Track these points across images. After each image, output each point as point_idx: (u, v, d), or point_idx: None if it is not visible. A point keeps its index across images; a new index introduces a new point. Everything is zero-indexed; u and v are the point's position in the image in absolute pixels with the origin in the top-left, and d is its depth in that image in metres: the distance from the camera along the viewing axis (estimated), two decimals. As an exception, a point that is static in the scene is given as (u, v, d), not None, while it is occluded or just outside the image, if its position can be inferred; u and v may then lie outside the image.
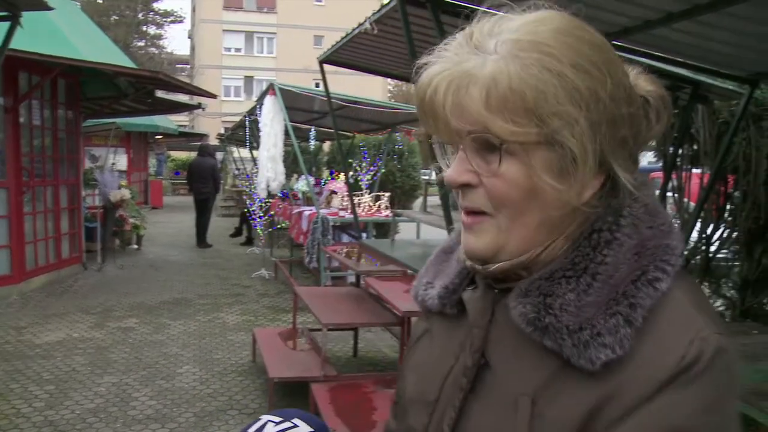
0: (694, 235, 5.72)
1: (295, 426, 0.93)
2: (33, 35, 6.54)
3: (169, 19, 48.93)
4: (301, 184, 11.89)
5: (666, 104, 0.83)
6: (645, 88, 0.83)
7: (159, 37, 50.17)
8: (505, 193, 0.77)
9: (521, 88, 0.73)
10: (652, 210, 0.82)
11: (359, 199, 9.55)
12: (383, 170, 12.19)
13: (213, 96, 10.71)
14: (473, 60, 0.76)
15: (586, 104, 0.74)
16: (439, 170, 0.86)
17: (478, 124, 0.76)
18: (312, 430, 0.94)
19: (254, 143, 11.71)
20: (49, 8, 5.74)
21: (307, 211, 9.56)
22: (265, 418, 0.95)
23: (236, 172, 21.79)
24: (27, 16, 5.69)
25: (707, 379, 0.71)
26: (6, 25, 5.64)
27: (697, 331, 0.73)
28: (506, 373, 0.83)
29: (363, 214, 9.30)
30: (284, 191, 11.16)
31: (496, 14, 0.80)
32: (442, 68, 0.77)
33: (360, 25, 5.00)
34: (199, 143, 20.99)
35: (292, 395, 4.95)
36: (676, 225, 0.84)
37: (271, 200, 10.83)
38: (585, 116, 0.74)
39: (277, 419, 0.94)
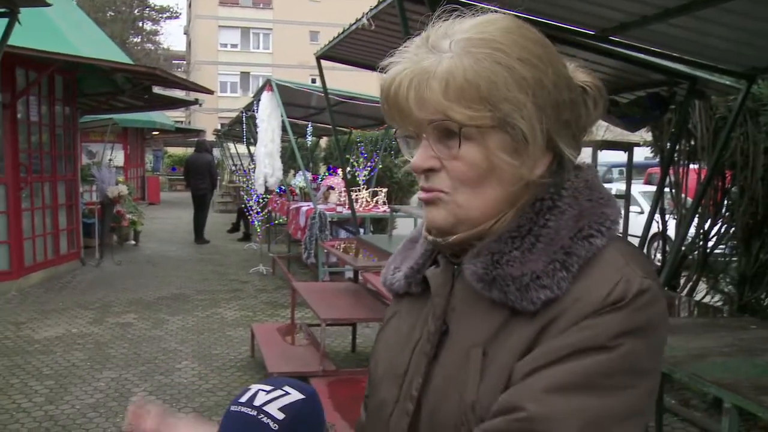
0: (692, 230, 5.73)
1: (287, 393, 0.95)
2: (30, 31, 6.53)
3: (165, 15, 48.61)
4: (299, 180, 11.89)
5: (601, 93, 0.94)
6: (582, 78, 0.93)
7: (155, 33, 49.88)
8: (464, 173, 0.87)
9: (475, 79, 0.83)
10: (592, 185, 0.92)
11: (357, 195, 9.57)
12: (380, 166, 12.20)
13: (209, 92, 10.71)
14: (431, 59, 0.85)
15: (533, 91, 0.84)
16: (406, 163, 0.94)
17: (439, 112, 0.85)
18: (303, 397, 0.96)
19: (251, 139, 11.73)
20: (47, 4, 5.73)
21: (305, 206, 9.57)
22: (255, 387, 0.97)
23: (233, 168, 21.79)
24: (24, 13, 5.68)
25: (627, 310, 0.80)
26: (4, 21, 5.63)
27: (624, 274, 0.83)
28: (461, 333, 0.91)
29: (360, 209, 9.32)
30: (282, 187, 11.16)
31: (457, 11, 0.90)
32: (403, 67, 0.87)
33: (357, 20, 5.01)
34: (195, 139, 20.94)
35: (291, 390, 4.95)
36: (616, 200, 0.95)
37: (268, 196, 10.83)
38: (532, 101, 0.84)
39: (268, 387, 0.96)
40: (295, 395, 0.95)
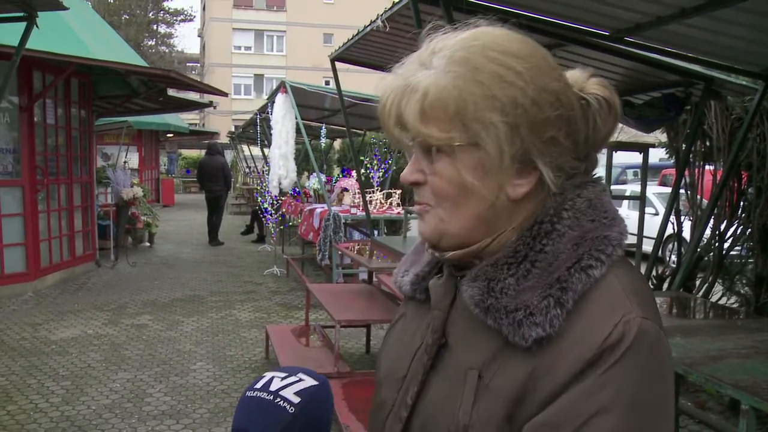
0: (708, 232, 5.69)
1: (301, 380, 0.98)
2: (46, 35, 6.59)
3: (179, 18, 48.99)
4: (313, 182, 11.91)
5: (612, 108, 0.91)
6: (591, 91, 0.91)
7: (169, 35, 50.26)
8: (442, 189, 0.88)
9: (445, 98, 0.84)
10: (596, 204, 0.89)
11: (371, 197, 9.57)
12: (394, 168, 12.20)
13: (224, 94, 10.75)
14: (418, 75, 0.87)
15: (504, 110, 0.83)
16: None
17: (415, 132, 0.87)
18: (316, 383, 0.99)
19: (265, 141, 11.75)
20: (64, 8, 5.78)
21: (319, 208, 9.59)
22: (269, 374, 0.99)
23: (247, 170, 21.87)
24: (41, 16, 5.73)
25: (630, 361, 0.78)
26: (21, 25, 5.68)
27: (623, 314, 0.81)
28: (460, 351, 0.92)
29: (374, 211, 9.32)
30: (296, 189, 11.19)
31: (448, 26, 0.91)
32: (392, 83, 0.90)
33: (372, 22, 5.02)
34: (209, 141, 21.05)
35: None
36: (622, 219, 0.91)
37: (282, 198, 10.86)
38: (503, 120, 0.83)
39: (283, 374, 0.99)
40: (309, 381, 0.98)
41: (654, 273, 6.15)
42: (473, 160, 0.85)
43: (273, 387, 0.96)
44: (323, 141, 12.72)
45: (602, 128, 0.91)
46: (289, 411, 0.93)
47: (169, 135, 23.62)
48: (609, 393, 0.77)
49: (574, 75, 0.92)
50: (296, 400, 0.94)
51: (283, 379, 0.97)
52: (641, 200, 5.88)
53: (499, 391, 0.84)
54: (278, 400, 0.94)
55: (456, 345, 0.93)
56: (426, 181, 0.89)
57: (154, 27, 47.80)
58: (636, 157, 7.01)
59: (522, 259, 0.87)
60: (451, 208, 0.89)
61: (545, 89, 0.85)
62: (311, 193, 11.81)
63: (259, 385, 0.97)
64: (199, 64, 57.96)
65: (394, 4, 4.60)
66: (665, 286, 5.94)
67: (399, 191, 10.17)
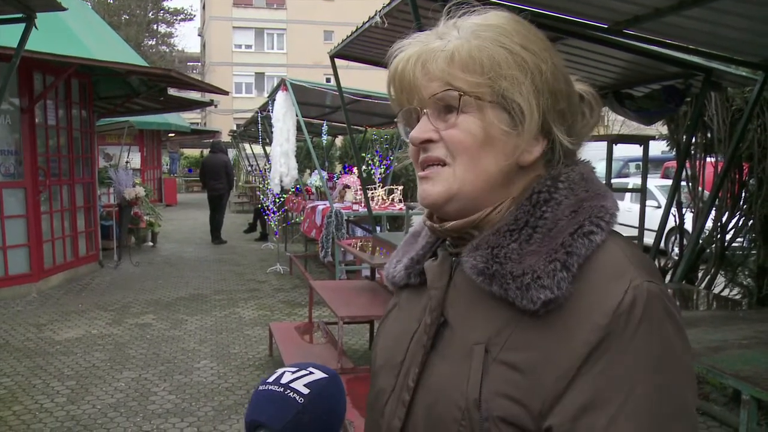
0: (709, 223, 5.69)
1: (311, 373, 1.00)
2: (46, 36, 6.60)
3: (179, 17, 48.90)
4: (315, 179, 11.92)
5: (597, 101, 0.98)
6: (580, 87, 0.97)
7: (170, 35, 50.16)
8: (461, 140, 0.89)
9: (479, 55, 0.87)
10: (588, 178, 0.93)
11: (372, 193, 9.57)
12: (396, 164, 12.19)
13: (224, 93, 10.75)
14: (438, 42, 0.90)
15: (531, 73, 0.88)
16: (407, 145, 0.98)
17: (441, 81, 0.89)
18: (326, 375, 1.01)
19: (267, 139, 11.76)
20: (63, 9, 5.78)
21: (321, 205, 9.59)
22: (281, 369, 1.02)
23: (249, 168, 21.87)
24: (40, 17, 5.73)
25: (648, 326, 0.80)
26: (20, 26, 5.69)
27: (629, 280, 0.82)
28: (462, 327, 0.92)
29: (377, 207, 9.32)
30: (298, 186, 11.20)
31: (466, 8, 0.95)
32: (413, 47, 0.92)
33: (370, 18, 5.02)
34: (211, 140, 21.05)
35: (309, 388, 4.97)
36: (611, 192, 0.95)
37: (285, 195, 10.87)
38: (530, 81, 0.88)
39: (294, 369, 1.02)
40: (319, 374, 1.00)
41: (657, 265, 6.14)
42: (498, 117, 0.88)
43: (284, 380, 0.98)
44: (325, 138, 12.73)
45: (590, 121, 0.97)
46: (299, 401, 0.95)
47: (170, 134, 23.64)
48: (640, 363, 0.79)
49: None
50: (306, 391, 0.96)
51: (294, 372, 1.00)
52: (642, 192, 5.88)
53: (510, 364, 0.84)
54: (288, 391, 0.96)
55: (457, 323, 0.93)
56: (440, 138, 0.91)
57: (154, 27, 47.76)
58: (637, 150, 7.00)
59: (523, 225, 0.89)
60: (468, 163, 0.90)
61: (558, 67, 0.91)
62: (313, 190, 11.81)
63: (271, 380, 0.99)
64: (199, 63, 57.93)
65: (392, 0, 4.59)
66: (668, 278, 5.94)
67: (401, 187, 10.17)
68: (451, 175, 0.91)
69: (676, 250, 6.85)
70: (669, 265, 6.30)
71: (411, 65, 0.91)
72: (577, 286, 0.83)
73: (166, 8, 47.69)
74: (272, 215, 10.46)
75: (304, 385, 0.97)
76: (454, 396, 0.88)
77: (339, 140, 18.34)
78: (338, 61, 6.77)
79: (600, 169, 0.94)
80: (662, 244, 6.15)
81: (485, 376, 0.86)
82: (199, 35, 60.58)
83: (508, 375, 0.84)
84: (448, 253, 0.99)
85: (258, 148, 18.28)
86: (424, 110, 0.92)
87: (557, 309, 0.83)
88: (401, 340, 1.01)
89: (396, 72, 0.93)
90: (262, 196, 10.99)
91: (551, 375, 0.81)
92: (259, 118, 11.44)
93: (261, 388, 0.99)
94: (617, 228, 0.91)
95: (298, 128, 9.25)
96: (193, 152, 36.22)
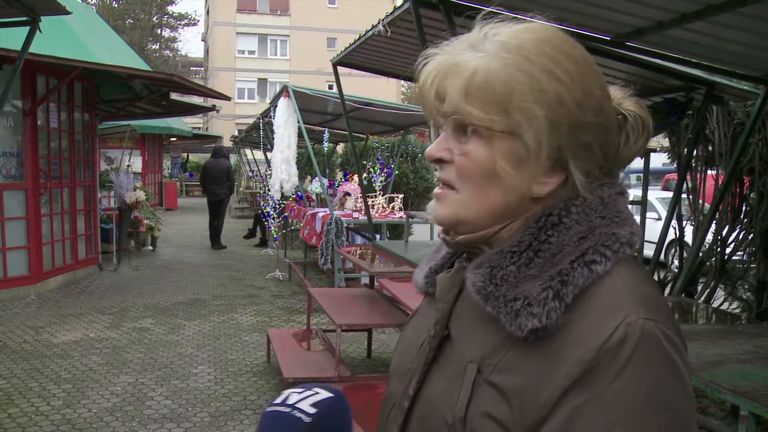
0: (709, 236, 5.69)
1: (317, 393, 1.02)
2: (50, 39, 6.61)
3: (183, 22, 48.97)
4: (315, 186, 11.93)
5: (646, 127, 0.93)
6: (628, 108, 0.93)
7: (173, 40, 50.24)
8: (469, 170, 0.87)
9: (494, 82, 0.84)
10: (609, 203, 0.89)
11: (373, 201, 9.57)
12: (397, 172, 12.21)
13: (227, 98, 10.78)
14: (466, 55, 0.87)
15: (550, 105, 0.83)
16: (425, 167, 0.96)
17: (454, 107, 0.86)
18: (332, 395, 1.03)
19: (268, 145, 11.77)
20: (67, 12, 5.80)
21: (321, 212, 9.59)
22: (287, 391, 1.05)
23: (250, 174, 21.90)
24: (44, 20, 5.75)
25: (634, 368, 0.75)
26: (23, 30, 5.70)
27: (625, 315, 0.78)
28: (462, 343, 0.92)
29: (377, 215, 9.32)
30: (299, 193, 11.20)
31: (503, 15, 0.91)
32: (436, 60, 0.90)
33: (373, 27, 5.03)
34: (212, 145, 21.08)
35: (306, 395, 4.96)
36: (636, 222, 0.91)
37: (285, 202, 10.87)
38: (545, 115, 0.83)
39: (300, 389, 1.04)
40: (324, 394, 1.02)
41: (656, 278, 6.14)
42: (508, 149, 0.85)
43: (290, 401, 1.00)
44: (326, 145, 12.75)
45: (633, 146, 0.93)
46: (306, 421, 0.97)
47: (172, 139, 23.66)
48: (619, 407, 0.74)
49: (614, 90, 0.94)
50: (312, 410, 0.98)
51: (300, 393, 1.02)
52: (642, 204, 5.88)
53: (498, 387, 0.83)
54: (294, 411, 0.98)
55: (458, 337, 0.93)
56: (452, 160, 0.89)
57: (158, 31, 47.84)
58: (638, 162, 6.97)
59: (525, 248, 0.87)
60: (474, 193, 0.88)
61: (590, 94, 0.86)
62: (314, 197, 11.82)
63: (278, 401, 1.02)
64: (202, 68, 58.05)
65: (396, 8, 4.60)
66: (667, 290, 5.93)
67: (401, 196, 10.17)
68: (458, 200, 0.90)
69: (676, 262, 6.84)
70: (668, 278, 6.29)
71: (429, 81, 0.89)
72: (572, 317, 0.80)
73: (171, 13, 47.74)
74: (272, 221, 10.47)
75: (311, 405, 0.99)
76: (443, 411, 0.89)
77: (340, 147, 18.35)
78: (341, 69, 6.78)
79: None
80: (662, 257, 6.13)
81: (474, 396, 0.85)
82: (202, 40, 60.70)
83: (496, 397, 0.83)
84: (462, 266, 0.97)
85: (259, 154, 18.31)
86: (442, 127, 0.91)
87: (550, 336, 0.81)
88: (413, 347, 1.02)
89: (420, 85, 0.92)
90: (262, 202, 10.98)
91: (535, 402, 0.79)
92: (261, 124, 11.45)
93: (269, 409, 1.01)
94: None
95: (300, 135, 9.26)
96: (194, 157, 36.22)
